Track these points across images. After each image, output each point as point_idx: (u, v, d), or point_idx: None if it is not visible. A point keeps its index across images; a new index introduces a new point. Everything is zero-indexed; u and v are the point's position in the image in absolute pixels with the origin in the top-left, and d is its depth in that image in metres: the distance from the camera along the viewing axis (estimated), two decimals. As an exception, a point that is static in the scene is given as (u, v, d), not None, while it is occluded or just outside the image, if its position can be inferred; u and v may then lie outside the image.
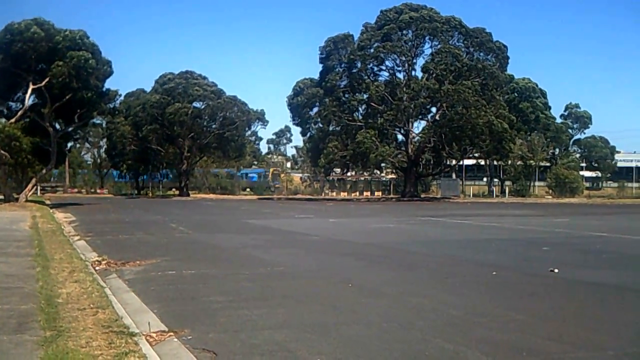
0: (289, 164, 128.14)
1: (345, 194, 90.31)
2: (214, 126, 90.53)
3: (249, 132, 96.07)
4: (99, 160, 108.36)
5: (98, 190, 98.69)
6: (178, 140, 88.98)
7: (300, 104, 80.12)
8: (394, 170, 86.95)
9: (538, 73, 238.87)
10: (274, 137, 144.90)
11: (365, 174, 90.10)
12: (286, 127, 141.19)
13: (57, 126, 53.05)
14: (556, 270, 14.16)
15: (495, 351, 7.51)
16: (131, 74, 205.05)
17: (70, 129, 54.79)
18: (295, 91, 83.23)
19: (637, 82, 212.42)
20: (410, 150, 76.95)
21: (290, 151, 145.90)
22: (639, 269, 15.15)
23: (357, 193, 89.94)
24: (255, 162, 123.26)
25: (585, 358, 7.25)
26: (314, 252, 19.08)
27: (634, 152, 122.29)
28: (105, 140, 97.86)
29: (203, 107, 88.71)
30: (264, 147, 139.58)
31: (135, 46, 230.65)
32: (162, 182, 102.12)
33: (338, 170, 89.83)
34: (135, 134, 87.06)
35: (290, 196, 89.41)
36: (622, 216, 40.99)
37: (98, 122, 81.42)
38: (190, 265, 15.28)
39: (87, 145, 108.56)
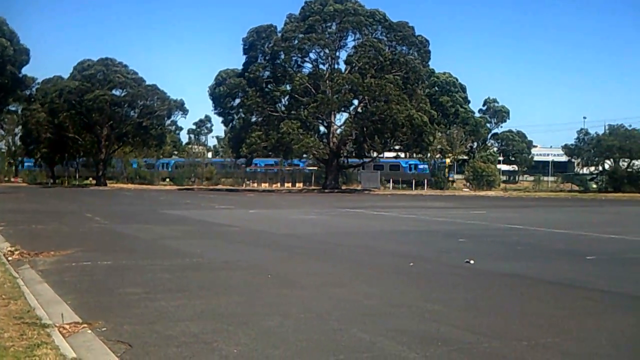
0: (210, 154, 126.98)
1: (267, 185, 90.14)
2: (133, 115, 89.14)
3: (169, 122, 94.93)
4: (13, 148, 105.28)
5: (12, 179, 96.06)
6: (96, 129, 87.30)
7: (222, 94, 79.52)
8: (316, 162, 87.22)
9: (458, 68, 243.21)
10: (194, 127, 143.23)
11: (286, 165, 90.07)
12: (207, 117, 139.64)
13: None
14: (472, 262, 14.43)
15: (411, 341, 7.59)
16: (48, 61, 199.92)
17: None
18: (218, 81, 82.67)
19: (553, 78, 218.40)
20: (332, 143, 77.29)
21: (212, 141, 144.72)
22: (552, 260, 15.54)
23: (279, 184, 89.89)
24: (176, 152, 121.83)
25: (499, 348, 7.38)
26: (233, 243, 18.98)
27: (550, 147, 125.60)
28: (20, 127, 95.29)
29: (123, 94, 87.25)
30: (184, 137, 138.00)
31: (53, 32, 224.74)
32: (78, 171, 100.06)
33: (260, 160, 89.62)
34: (51, 121, 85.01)
35: (211, 187, 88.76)
36: (538, 209, 42.07)
37: (13, 109, 79.34)
38: (106, 256, 15.00)
39: (1, 132, 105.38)
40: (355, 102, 77.07)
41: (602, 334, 8.13)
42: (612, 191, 75.24)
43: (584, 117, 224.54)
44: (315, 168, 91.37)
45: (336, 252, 16.89)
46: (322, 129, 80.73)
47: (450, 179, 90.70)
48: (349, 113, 79.01)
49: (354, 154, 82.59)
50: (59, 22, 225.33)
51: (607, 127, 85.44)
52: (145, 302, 9.72)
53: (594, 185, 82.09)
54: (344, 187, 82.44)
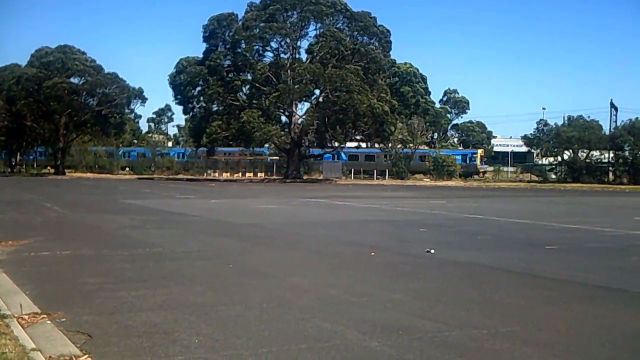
0: (170, 143, 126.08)
1: (228, 174, 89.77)
2: (92, 103, 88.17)
3: (129, 110, 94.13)
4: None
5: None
6: (54, 117, 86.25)
7: (182, 82, 79.06)
8: (277, 152, 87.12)
9: (419, 58, 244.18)
10: (154, 115, 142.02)
11: (248, 154, 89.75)
12: (167, 105, 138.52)
13: None
14: (432, 251, 14.52)
15: (373, 330, 7.62)
16: (4, 48, 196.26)
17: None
18: (178, 69, 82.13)
19: (513, 69, 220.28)
20: (293, 132, 77.23)
21: (172, 130, 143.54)
22: (512, 249, 15.70)
23: (240, 174, 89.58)
24: (135, 141, 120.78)
25: (459, 336, 7.44)
26: (195, 232, 18.88)
27: (510, 137, 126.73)
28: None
29: (81, 82, 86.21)
30: (144, 126, 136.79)
31: (10, 19, 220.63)
32: (37, 159, 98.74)
33: (221, 150, 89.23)
34: (8, 109, 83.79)
35: (172, 176, 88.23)
36: (497, 199, 42.49)
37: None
38: (65, 246, 14.84)
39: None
40: (317, 91, 77.12)
41: (561, 323, 8.23)
42: (571, 181, 76.33)
43: (543, 108, 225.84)
44: (277, 158, 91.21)
45: (298, 242, 16.89)
46: (283, 118, 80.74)
47: (482, 169, 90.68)
48: (311, 103, 79.04)
49: (315, 144, 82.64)
50: (15, 9, 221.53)
51: (566, 118, 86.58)
52: (105, 293, 9.63)
53: (553, 176, 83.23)
54: (305, 177, 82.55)
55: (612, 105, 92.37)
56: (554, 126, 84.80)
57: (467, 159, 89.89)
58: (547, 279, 11.49)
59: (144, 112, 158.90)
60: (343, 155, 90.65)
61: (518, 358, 6.68)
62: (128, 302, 9.04)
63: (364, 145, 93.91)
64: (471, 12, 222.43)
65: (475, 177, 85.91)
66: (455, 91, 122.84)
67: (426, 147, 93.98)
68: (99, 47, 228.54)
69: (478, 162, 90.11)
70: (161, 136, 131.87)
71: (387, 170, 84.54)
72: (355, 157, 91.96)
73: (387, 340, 7.22)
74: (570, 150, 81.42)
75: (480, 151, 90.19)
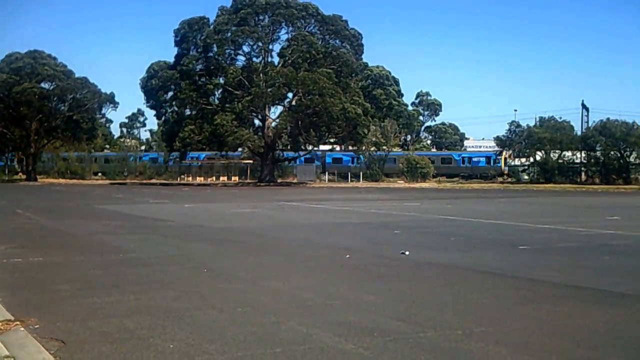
0: (143, 148, 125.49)
1: (202, 178, 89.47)
2: (63, 108, 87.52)
3: (100, 115, 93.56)
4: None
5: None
6: (25, 122, 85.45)
7: (154, 87, 78.62)
8: (251, 155, 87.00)
9: (391, 61, 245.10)
10: (126, 120, 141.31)
11: (222, 158, 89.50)
12: (140, 110, 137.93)
13: None
14: (407, 253, 14.57)
15: (347, 332, 7.62)
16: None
17: None
18: (150, 74, 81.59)
19: (485, 71, 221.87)
20: (267, 136, 77.17)
21: (145, 135, 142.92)
22: (486, 250, 15.78)
23: (214, 178, 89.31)
24: (107, 146, 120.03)
25: (433, 337, 7.46)
26: (168, 237, 18.76)
27: (482, 139, 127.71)
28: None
29: (52, 88, 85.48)
30: (116, 131, 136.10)
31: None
32: (7, 166, 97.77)
33: (194, 154, 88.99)
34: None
35: (145, 181, 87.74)
36: (470, 200, 42.73)
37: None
38: (38, 252, 14.69)
39: None
40: (290, 95, 77.14)
41: (534, 323, 8.28)
42: (544, 182, 76.95)
43: (515, 110, 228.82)
44: (250, 162, 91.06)
45: (272, 246, 16.85)
46: (256, 122, 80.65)
47: (506, 170, 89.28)
48: (284, 106, 79.03)
49: (289, 147, 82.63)
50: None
51: (537, 119, 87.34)
52: (78, 299, 9.54)
53: (526, 177, 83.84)
54: (279, 180, 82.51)
55: (584, 106, 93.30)
56: (526, 127, 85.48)
57: (492, 160, 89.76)
58: (520, 279, 11.56)
59: (116, 116, 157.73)
60: (328, 158, 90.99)
61: (492, 358, 6.71)
62: (101, 308, 8.97)
63: (337, 148, 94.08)
64: (443, 15, 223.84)
65: (499, 179, 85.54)
66: (427, 93, 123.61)
67: (399, 150, 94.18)
68: (70, 52, 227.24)
69: (502, 163, 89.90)
70: (134, 141, 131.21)
71: (361, 173, 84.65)
72: (339, 160, 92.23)
73: (362, 342, 7.23)
74: (543, 151, 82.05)
75: (506, 152, 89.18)
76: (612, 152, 79.45)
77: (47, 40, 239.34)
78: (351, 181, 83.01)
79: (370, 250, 15.89)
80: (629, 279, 11.80)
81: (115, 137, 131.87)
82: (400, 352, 6.87)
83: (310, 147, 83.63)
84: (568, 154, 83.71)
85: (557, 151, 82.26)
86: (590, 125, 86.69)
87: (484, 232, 20.58)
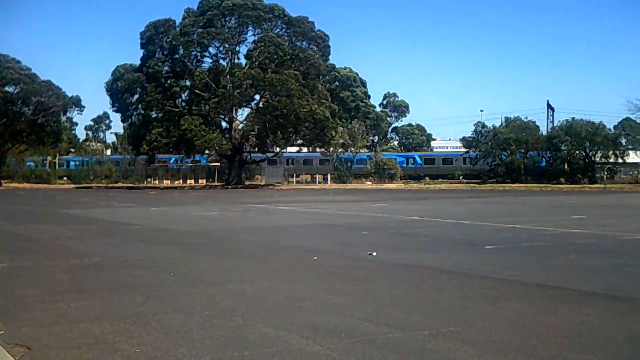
0: (109, 152, 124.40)
1: (169, 182, 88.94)
2: (27, 112, 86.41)
3: (65, 119, 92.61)
4: None
5: None
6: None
7: (120, 89, 78.06)
8: (219, 158, 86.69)
9: (358, 63, 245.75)
10: (92, 123, 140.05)
11: (189, 161, 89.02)
12: (105, 113, 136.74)
13: None
14: (375, 254, 14.61)
15: (316, 334, 7.62)
16: None
17: None
18: (115, 77, 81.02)
19: (451, 72, 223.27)
20: (234, 138, 76.94)
21: (110, 138, 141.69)
22: (453, 251, 15.88)
23: (181, 181, 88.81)
24: (73, 150, 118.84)
25: (401, 338, 7.48)
26: (135, 242, 18.63)
27: (449, 140, 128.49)
28: None
29: (16, 91, 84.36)
30: (82, 134, 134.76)
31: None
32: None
33: (161, 157, 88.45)
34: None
35: (111, 185, 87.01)
36: (438, 201, 42.95)
37: None
38: (2, 257, 14.48)
39: None
40: (257, 97, 77.00)
41: (501, 322, 8.35)
42: (510, 182, 77.49)
43: (481, 111, 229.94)
44: (218, 164, 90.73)
45: (240, 249, 16.81)
46: (224, 124, 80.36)
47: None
48: (251, 108, 78.89)
49: (257, 150, 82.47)
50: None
51: (503, 120, 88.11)
52: (44, 304, 9.44)
53: (493, 177, 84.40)
54: (247, 183, 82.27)
55: (549, 106, 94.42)
56: (492, 128, 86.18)
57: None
58: (487, 279, 11.65)
59: (82, 120, 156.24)
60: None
61: (459, 358, 6.75)
62: (67, 313, 8.88)
63: (305, 150, 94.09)
64: (410, 17, 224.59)
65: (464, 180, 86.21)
66: (395, 95, 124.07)
67: (366, 151, 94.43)
68: (34, 55, 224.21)
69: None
70: (99, 145, 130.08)
71: (329, 175, 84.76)
72: (311, 161, 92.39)
73: (330, 344, 7.23)
74: (509, 152, 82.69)
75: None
76: (577, 152, 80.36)
77: (11, 43, 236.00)
78: (319, 183, 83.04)
79: (338, 252, 15.91)
80: (596, 277, 11.95)
81: (81, 140, 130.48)
82: (369, 353, 6.88)
83: (278, 150, 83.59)
84: (534, 154, 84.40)
85: (522, 151, 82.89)
86: (556, 125, 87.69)
87: (451, 233, 20.71)
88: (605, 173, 79.91)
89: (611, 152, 79.49)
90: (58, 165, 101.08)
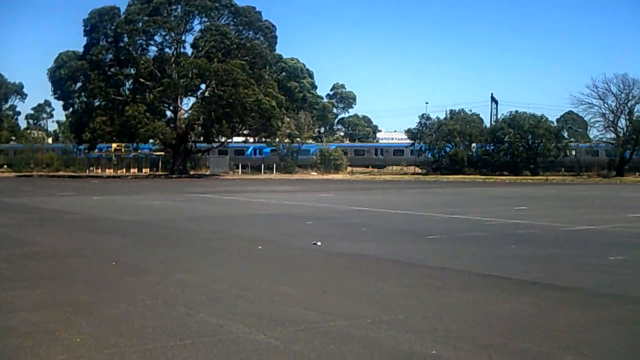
0: (50, 140, 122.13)
1: (112, 171, 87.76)
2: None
3: (7, 106, 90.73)
4: None
5: None
6: None
7: (63, 77, 76.71)
8: (163, 147, 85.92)
9: (306, 54, 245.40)
10: (33, 111, 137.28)
11: (132, 149, 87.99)
12: (47, 101, 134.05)
13: None
14: (319, 244, 14.64)
15: (259, 323, 7.62)
16: None
17: None
18: (58, 64, 79.68)
19: (398, 64, 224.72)
20: (179, 127, 76.31)
21: (52, 126, 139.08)
22: (396, 240, 16.01)
23: (124, 170, 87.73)
24: (14, 138, 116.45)
25: (344, 326, 7.52)
26: (76, 230, 18.38)
27: (394, 131, 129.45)
28: None
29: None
30: (22, 122, 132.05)
31: None
32: None
33: (104, 145, 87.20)
34: None
35: (52, 173, 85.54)
36: (382, 191, 43.21)
37: None
38: (-63, 246, 14.16)
39: None
40: (203, 86, 76.46)
41: (443, 310, 8.45)
42: (454, 173, 78.35)
43: (426, 103, 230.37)
44: (162, 153, 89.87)
45: (184, 238, 16.69)
46: (168, 113, 79.59)
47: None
48: (197, 97, 78.29)
49: (202, 139, 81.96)
50: None
51: (448, 112, 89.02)
52: (-19, 294, 9.26)
53: (436, 168, 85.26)
54: (192, 173, 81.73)
55: (493, 99, 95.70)
56: (437, 120, 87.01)
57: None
58: (429, 268, 11.78)
59: (24, 108, 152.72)
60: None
61: (401, 345, 6.82)
62: (7, 302, 8.72)
63: (251, 140, 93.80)
64: (357, 8, 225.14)
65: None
66: (342, 86, 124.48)
67: (312, 142, 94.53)
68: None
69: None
70: (40, 132, 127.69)
71: (274, 165, 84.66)
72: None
73: (273, 332, 7.24)
74: (452, 143, 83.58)
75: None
76: (520, 144, 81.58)
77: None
78: (264, 173, 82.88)
79: (282, 241, 15.92)
80: (536, 267, 12.14)
81: (22, 128, 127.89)
82: (311, 341, 6.91)
83: (223, 139, 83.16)
84: (477, 145, 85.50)
85: (466, 143, 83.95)
86: (499, 117, 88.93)
87: (395, 223, 20.87)
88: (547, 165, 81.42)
89: (553, 145, 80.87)
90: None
